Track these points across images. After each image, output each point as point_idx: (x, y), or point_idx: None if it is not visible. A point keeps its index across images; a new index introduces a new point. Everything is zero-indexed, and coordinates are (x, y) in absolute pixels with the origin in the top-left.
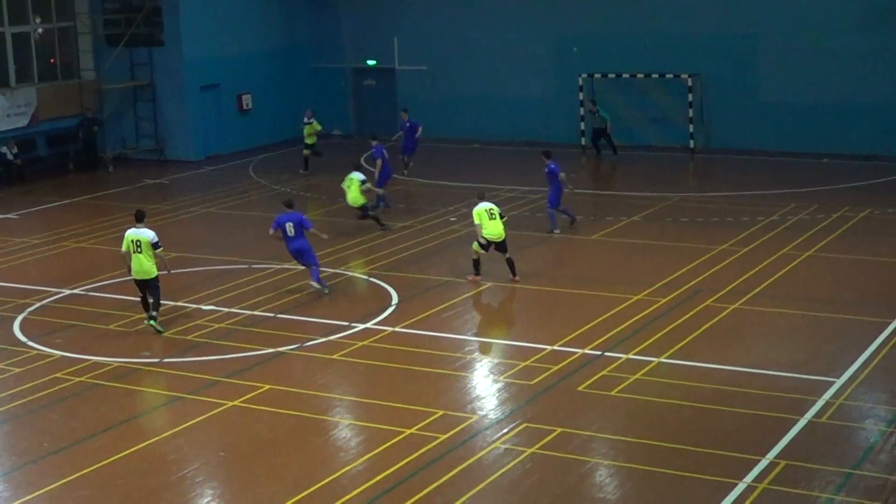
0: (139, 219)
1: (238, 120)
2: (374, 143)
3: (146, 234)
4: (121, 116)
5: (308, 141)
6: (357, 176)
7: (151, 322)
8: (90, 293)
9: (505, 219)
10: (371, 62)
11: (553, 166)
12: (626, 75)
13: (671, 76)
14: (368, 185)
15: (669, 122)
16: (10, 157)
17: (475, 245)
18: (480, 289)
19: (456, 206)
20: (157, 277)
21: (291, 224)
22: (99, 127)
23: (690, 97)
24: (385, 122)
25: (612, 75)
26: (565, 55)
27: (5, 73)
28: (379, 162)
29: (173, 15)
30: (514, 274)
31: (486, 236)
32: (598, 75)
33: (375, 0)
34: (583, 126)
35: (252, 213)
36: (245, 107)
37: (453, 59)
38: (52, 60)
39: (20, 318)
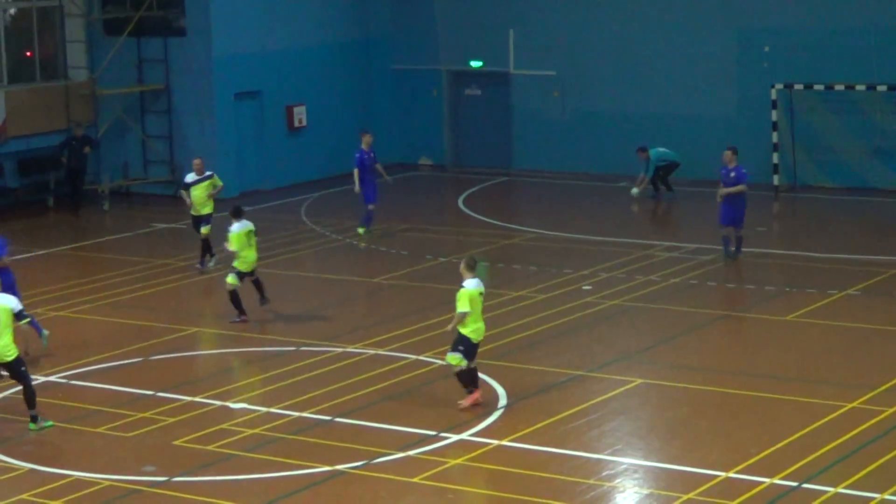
0: None
1: (287, 142)
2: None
3: (6, 302)
4: (122, 134)
5: (204, 210)
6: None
7: (31, 425)
8: (72, 381)
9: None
10: (476, 63)
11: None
12: (839, 87)
13: None
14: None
15: None
16: None
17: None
18: (625, 388)
19: (592, 268)
20: (18, 360)
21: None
22: (92, 148)
23: None
24: (492, 148)
25: (819, 86)
26: (753, 58)
27: None
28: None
29: None
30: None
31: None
32: (798, 86)
33: None
34: (775, 159)
35: (304, 273)
36: (297, 123)
37: (591, 61)
38: (27, 53)
39: None
